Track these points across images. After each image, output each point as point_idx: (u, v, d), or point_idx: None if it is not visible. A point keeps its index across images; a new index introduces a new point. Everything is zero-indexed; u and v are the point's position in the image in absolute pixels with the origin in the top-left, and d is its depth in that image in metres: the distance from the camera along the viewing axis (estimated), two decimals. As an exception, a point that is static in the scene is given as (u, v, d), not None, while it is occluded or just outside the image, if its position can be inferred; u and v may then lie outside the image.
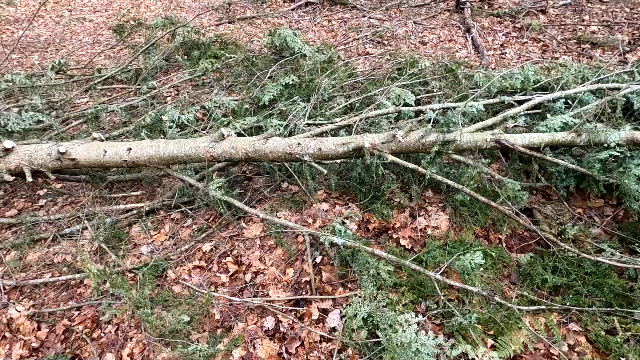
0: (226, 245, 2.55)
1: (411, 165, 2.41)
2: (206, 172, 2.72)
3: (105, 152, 2.48)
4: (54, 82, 4.49)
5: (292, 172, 2.66)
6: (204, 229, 2.67)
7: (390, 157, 2.41)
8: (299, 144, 2.44)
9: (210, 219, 2.76)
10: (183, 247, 2.54)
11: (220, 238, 2.60)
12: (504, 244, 2.50)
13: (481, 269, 2.26)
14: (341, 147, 2.42)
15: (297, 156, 2.46)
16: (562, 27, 5.84)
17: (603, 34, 5.40)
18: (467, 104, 3.12)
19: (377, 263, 2.19)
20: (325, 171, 2.45)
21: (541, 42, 5.51)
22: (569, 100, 2.99)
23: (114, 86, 4.88)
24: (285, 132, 3.19)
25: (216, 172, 2.78)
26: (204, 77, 4.67)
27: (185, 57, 4.98)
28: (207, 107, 3.78)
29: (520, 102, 3.32)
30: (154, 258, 2.44)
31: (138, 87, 4.52)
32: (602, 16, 5.96)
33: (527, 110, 2.91)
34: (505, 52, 5.36)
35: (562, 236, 2.40)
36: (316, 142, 2.45)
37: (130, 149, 2.47)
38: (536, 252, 2.42)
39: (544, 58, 5.09)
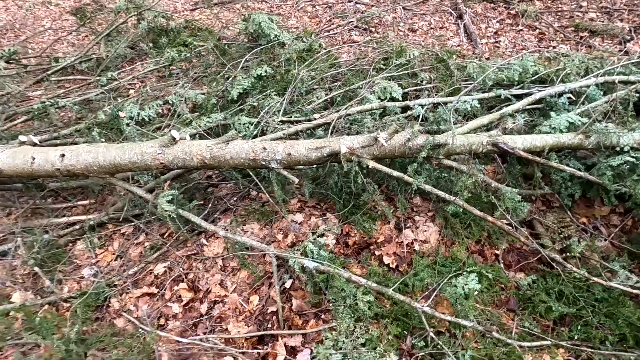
0: (182, 266, 2.19)
1: (395, 174, 2.06)
2: (157, 182, 2.34)
3: (34, 159, 2.08)
4: (2, 72, 4.01)
5: (258, 181, 2.30)
6: (158, 246, 2.30)
7: (372, 164, 2.06)
8: (265, 148, 2.07)
9: (166, 234, 2.39)
10: (131, 270, 2.17)
11: (175, 258, 2.24)
12: (501, 261, 2.19)
13: (476, 293, 1.95)
14: (314, 152, 2.07)
15: (263, 163, 2.09)
16: (559, 13, 5.50)
17: (602, 22, 5.08)
18: (459, 98, 2.78)
19: (355, 290, 1.87)
20: (295, 180, 2.10)
21: (537, 30, 5.17)
22: (571, 95, 2.67)
23: (73, 77, 4.41)
24: (257, 131, 2.82)
25: (169, 182, 2.40)
26: (172, 67, 4.23)
27: (152, 44, 4.51)
28: (171, 102, 3.37)
29: (518, 97, 2.99)
30: (96, 284, 2.07)
31: (98, 78, 4.06)
32: (601, 2, 5.63)
33: (527, 106, 2.58)
34: (500, 41, 5.01)
35: (567, 253, 2.10)
36: (285, 147, 2.08)
37: (63, 155, 2.08)
38: (537, 270, 2.12)
39: (540, 47, 4.77)
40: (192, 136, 2.76)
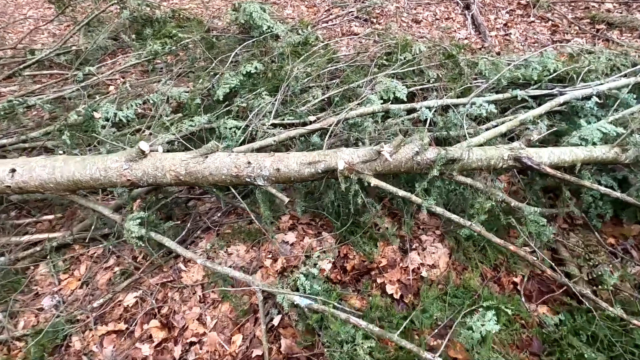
0: (156, 296, 1.91)
1: (402, 193, 1.78)
2: (131, 196, 2.05)
3: (-20, 174, 1.78)
4: (-31, 66, 3.67)
5: (241, 199, 2.00)
6: (129, 272, 2.02)
7: (374, 181, 1.78)
8: (250, 163, 1.78)
9: (140, 256, 2.11)
10: (98, 301, 1.89)
11: (149, 286, 1.96)
12: (521, 292, 1.92)
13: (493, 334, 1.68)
14: (307, 168, 1.77)
15: (248, 179, 1.80)
16: (573, 4, 5.14)
17: (620, 13, 4.74)
18: (471, 100, 2.48)
19: (353, 331, 1.59)
20: (285, 200, 1.81)
21: (550, 22, 4.83)
22: (597, 99, 2.37)
23: (50, 71, 4.07)
24: (245, 136, 2.52)
25: (142, 197, 2.10)
26: (157, 61, 3.89)
27: (135, 36, 4.16)
28: (151, 101, 3.05)
29: (534, 97, 2.69)
30: (54, 318, 1.79)
31: (75, 72, 3.72)
32: (618, -8, 5.27)
33: (550, 110, 2.28)
34: (510, 33, 4.67)
35: (599, 286, 1.83)
36: (273, 161, 1.79)
37: (14, 170, 1.78)
38: (563, 304, 1.85)
39: (554, 40, 4.43)
40: (171, 143, 2.46)
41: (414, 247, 2.17)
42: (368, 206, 1.87)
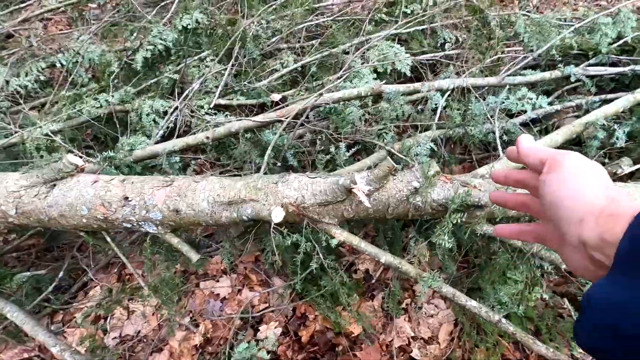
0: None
1: (386, 259, 1.05)
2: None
3: None
4: None
5: (115, 246, 1.27)
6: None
7: (340, 236, 1.04)
8: (128, 198, 1.03)
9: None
10: None
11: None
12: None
13: None
14: (224, 211, 1.03)
15: (127, 225, 1.07)
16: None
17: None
18: (504, 79, 1.66)
19: None
20: (194, 257, 1.09)
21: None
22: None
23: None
24: (180, 125, 1.75)
25: None
26: (90, 5, 2.98)
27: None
28: (60, 64, 2.22)
29: (592, 78, 1.86)
30: None
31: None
32: None
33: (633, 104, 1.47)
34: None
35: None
36: (168, 195, 1.04)
37: None
38: None
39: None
40: (60, 132, 1.69)
41: (403, 305, 1.49)
42: (329, 272, 1.15)
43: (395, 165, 0.98)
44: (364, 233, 1.59)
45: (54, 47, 2.43)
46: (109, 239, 1.13)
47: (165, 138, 1.74)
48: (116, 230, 1.12)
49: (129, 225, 1.07)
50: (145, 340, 1.35)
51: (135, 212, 1.04)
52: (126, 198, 1.04)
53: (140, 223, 1.06)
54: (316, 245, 1.07)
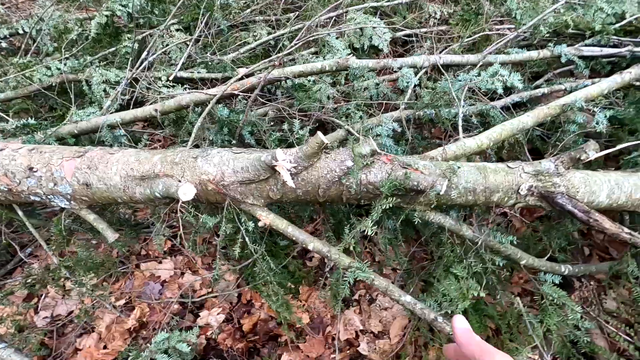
0: None
1: (315, 246, 0.95)
2: None
3: None
4: None
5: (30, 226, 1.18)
6: None
7: (266, 219, 0.94)
8: (33, 169, 0.94)
9: None
10: None
11: None
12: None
13: None
14: (138, 187, 0.93)
15: (35, 198, 0.98)
16: None
17: None
18: (484, 57, 1.51)
19: None
20: (111, 237, 1.00)
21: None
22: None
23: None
24: (135, 96, 1.64)
25: None
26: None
27: None
28: (23, 30, 2.12)
29: (586, 59, 1.70)
30: None
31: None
32: None
33: (619, 86, 1.32)
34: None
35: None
36: (78, 167, 0.94)
37: None
38: None
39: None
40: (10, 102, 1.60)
41: (355, 296, 1.40)
42: (258, 260, 1.05)
43: (326, 142, 0.87)
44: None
45: (21, 15, 2.33)
46: (20, 213, 1.04)
47: (123, 110, 1.64)
48: (25, 203, 1.04)
49: (37, 199, 0.98)
50: (76, 321, 1.28)
51: (41, 184, 0.95)
52: (31, 169, 0.95)
53: (49, 197, 0.97)
54: (240, 228, 0.97)
